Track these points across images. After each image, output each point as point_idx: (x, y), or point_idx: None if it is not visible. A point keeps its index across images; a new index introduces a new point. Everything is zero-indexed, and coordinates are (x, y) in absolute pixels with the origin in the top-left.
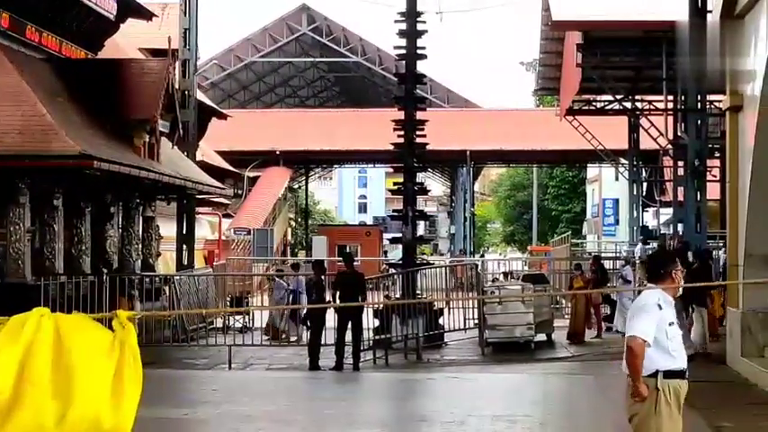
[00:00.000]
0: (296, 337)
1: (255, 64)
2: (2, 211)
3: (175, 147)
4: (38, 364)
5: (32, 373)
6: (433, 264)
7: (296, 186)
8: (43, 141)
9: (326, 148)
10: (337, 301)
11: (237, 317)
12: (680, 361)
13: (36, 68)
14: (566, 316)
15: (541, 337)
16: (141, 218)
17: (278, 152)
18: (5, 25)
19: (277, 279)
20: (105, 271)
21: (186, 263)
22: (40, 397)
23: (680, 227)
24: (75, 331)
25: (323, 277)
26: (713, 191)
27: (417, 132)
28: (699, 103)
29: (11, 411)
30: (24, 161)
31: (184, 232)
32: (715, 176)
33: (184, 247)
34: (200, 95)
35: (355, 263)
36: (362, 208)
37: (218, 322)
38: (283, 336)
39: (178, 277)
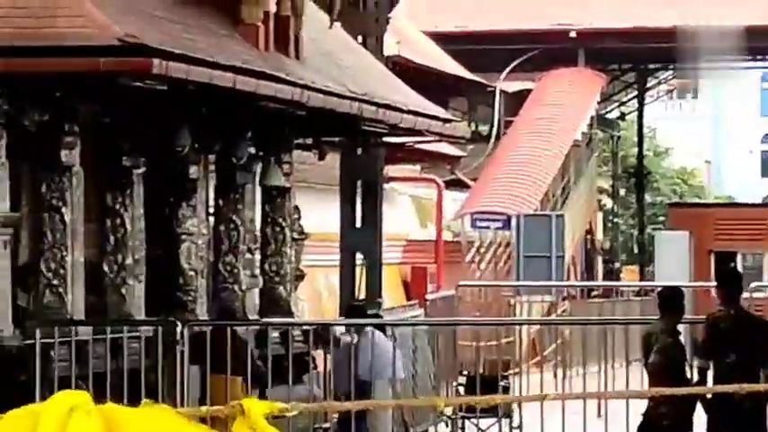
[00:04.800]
0: None
1: None
2: None
3: (337, 25)
4: None
5: None
6: None
7: (613, 114)
8: (48, 17)
9: (681, 23)
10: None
11: (485, 414)
12: None
13: None
14: None
15: None
16: (260, 190)
17: (571, 34)
18: None
19: (339, 333)
20: (179, 323)
21: (364, 295)
22: None
23: None
24: None
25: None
26: None
27: None
28: None
29: None
30: (10, 59)
31: (358, 224)
32: None
33: (358, 258)
34: None
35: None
36: None
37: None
38: None
39: (342, 329)
